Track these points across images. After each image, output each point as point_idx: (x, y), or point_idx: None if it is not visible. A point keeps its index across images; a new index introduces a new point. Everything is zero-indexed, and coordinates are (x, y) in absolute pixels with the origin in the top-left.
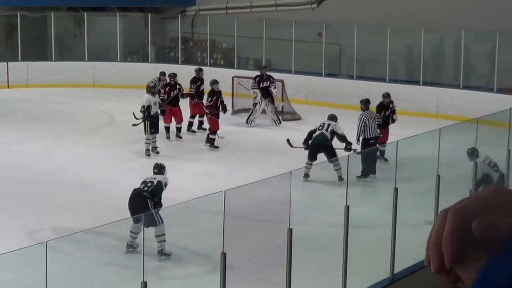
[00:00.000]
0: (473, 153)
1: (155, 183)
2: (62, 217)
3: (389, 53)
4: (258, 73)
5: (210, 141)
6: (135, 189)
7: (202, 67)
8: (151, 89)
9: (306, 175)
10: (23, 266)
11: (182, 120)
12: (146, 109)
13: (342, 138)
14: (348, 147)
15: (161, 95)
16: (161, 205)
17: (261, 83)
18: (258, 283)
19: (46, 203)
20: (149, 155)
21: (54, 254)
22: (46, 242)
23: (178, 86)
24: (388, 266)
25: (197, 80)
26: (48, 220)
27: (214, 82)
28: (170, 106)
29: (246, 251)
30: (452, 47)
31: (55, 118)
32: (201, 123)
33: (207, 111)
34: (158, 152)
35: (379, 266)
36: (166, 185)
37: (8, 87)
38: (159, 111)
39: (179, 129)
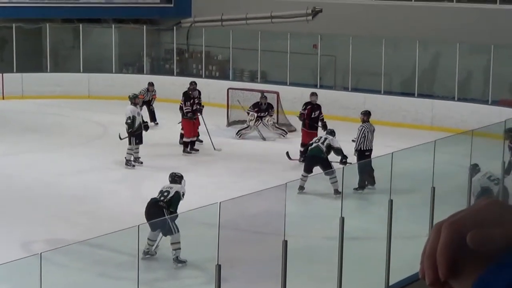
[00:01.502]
0: (474, 168)
1: (171, 193)
2: (57, 228)
3: (384, 65)
4: (253, 85)
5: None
6: (152, 199)
7: (195, 80)
8: (133, 100)
9: (301, 188)
10: (18, 277)
11: (197, 134)
12: (132, 121)
13: (338, 151)
14: (344, 160)
15: (186, 108)
16: (177, 215)
17: (260, 113)
18: None
19: (40, 215)
20: (134, 166)
21: (49, 265)
22: (41, 253)
23: (197, 96)
24: (383, 278)
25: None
26: (42, 232)
27: (313, 94)
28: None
29: (241, 263)
30: (447, 60)
31: (50, 129)
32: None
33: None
34: (141, 163)
35: (374, 278)
36: (183, 194)
37: (3, 98)
38: (142, 125)
39: (193, 142)
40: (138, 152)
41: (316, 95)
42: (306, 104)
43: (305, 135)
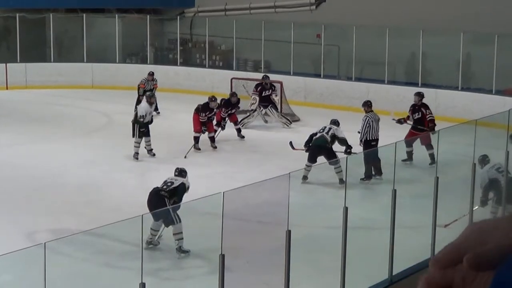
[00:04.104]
0: (484, 159)
1: (175, 184)
2: (61, 218)
3: (388, 55)
4: (257, 74)
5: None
6: (154, 188)
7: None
8: (149, 99)
9: (305, 178)
10: (22, 267)
11: (214, 130)
12: (143, 119)
13: (343, 141)
14: (348, 150)
15: (201, 118)
16: (179, 205)
17: (263, 92)
18: (257, 285)
19: (45, 205)
20: (137, 159)
21: (53, 255)
22: (45, 243)
23: (214, 111)
24: (387, 267)
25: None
26: (47, 222)
27: (416, 94)
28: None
29: (245, 253)
30: (451, 49)
31: (53, 119)
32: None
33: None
34: (154, 155)
35: (378, 268)
36: (188, 187)
37: (6, 88)
38: (150, 120)
39: (212, 139)
40: (150, 145)
41: (420, 94)
42: (412, 106)
43: (410, 135)
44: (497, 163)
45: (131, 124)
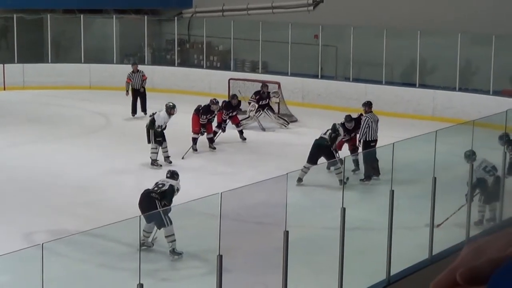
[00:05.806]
0: (470, 155)
1: (166, 186)
2: (59, 219)
3: (386, 56)
4: (255, 75)
5: None
6: (145, 190)
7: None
8: (169, 110)
9: (300, 180)
10: (19, 268)
11: (213, 131)
12: (161, 129)
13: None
14: (340, 122)
15: (201, 120)
16: (170, 208)
17: (261, 101)
18: (254, 286)
19: (42, 205)
20: (161, 166)
21: (51, 256)
22: (42, 244)
23: (215, 113)
24: (384, 268)
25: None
26: (44, 222)
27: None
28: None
29: (243, 254)
30: (448, 50)
31: (51, 120)
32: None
33: None
34: (170, 162)
35: (375, 269)
36: (178, 190)
37: (4, 89)
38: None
39: (210, 140)
40: (167, 151)
41: (345, 122)
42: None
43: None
44: (483, 161)
45: (146, 129)
